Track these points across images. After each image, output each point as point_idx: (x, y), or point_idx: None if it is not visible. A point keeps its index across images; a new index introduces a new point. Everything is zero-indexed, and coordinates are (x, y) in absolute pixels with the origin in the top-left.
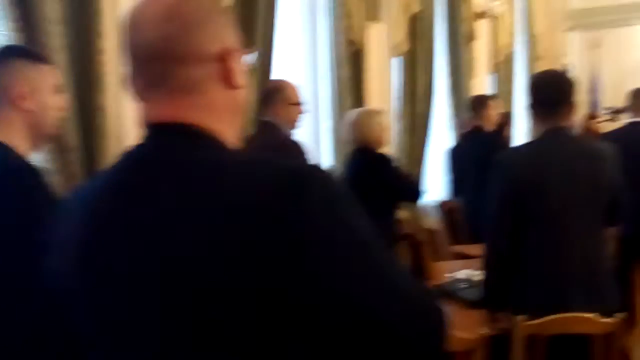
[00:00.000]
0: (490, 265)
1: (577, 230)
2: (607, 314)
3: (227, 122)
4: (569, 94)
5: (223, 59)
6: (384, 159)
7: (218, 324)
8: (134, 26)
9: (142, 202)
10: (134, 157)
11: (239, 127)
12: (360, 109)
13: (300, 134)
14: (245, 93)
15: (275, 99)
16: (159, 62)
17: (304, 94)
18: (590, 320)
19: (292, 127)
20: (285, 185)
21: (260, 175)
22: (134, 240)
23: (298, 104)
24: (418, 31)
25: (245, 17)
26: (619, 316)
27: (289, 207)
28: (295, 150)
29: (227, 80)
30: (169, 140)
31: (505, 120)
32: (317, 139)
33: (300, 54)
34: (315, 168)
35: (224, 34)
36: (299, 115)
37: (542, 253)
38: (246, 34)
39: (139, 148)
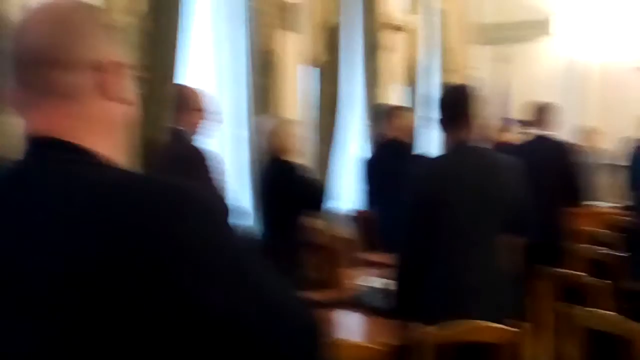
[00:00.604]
0: (400, 275)
1: (480, 241)
2: (505, 321)
3: (104, 134)
4: (473, 108)
5: (102, 69)
6: (289, 167)
7: (85, 342)
8: (21, 32)
9: (11, 222)
10: (8, 175)
11: (120, 142)
12: (272, 118)
13: (214, 142)
14: (132, 109)
15: (180, 106)
16: (40, 66)
17: (213, 101)
18: (496, 329)
19: (196, 134)
20: (159, 205)
21: (134, 194)
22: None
23: (202, 110)
24: (333, 42)
25: (155, 25)
26: (520, 324)
27: (159, 227)
28: (198, 157)
29: (105, 91)
30: (41, 157)
31: (416, 131)
32: (234, 147)
33: (216, 62)
34: (193, 187)
35: (108, 47)
36: (203, 122)
37: (446, 263)
38: (154, 43)
39: (16, 164)
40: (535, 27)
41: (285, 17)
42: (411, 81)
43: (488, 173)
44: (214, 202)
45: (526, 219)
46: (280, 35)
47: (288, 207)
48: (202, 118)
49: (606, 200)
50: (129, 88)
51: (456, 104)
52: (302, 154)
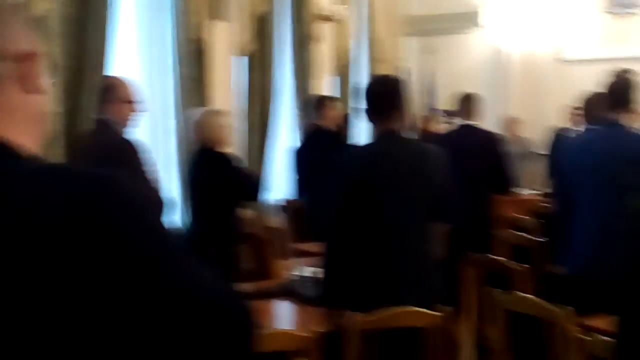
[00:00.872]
0: (328, 263)
1: (406, 227)
2: (434, 307)
3: (24, 126)
4: (399, 99)
5: (22, 59)
6: (225, 158)
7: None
8: None
9: None
10: None
11: (40, 135)
12: (201, 109)
13: (143, 133)
14: (48, 100)
15: (108, 97)
16: None
17: (142, 92)
18: (421, 314)
19: (125, 125)
20: (84, 193)
21: (59, 185)
22: None
23: (131, 102)
24: (263, 31)
25: (80, 12)
26: (446, 309)
27: (83, 215)
28: (129, 149)
29: (26, 82)
30: None
31: (346, 121)
32: (161, 137)
33: (143, 52)
34: (116, 174)
35: (27, 37)
36: (133, 113)
37: (375, 250)
38: (80, 30)
39: None
40: (464, 20)
41: (214, 6)
42: (341, 71)
43: (414, 161)
44: (142, 193)
45: (449, 206)
46: (209, 24)
47: (223, 198)
48: (130, 110)
49: (529, 188)
50: (46, 79)
51: (383, 95)
52: (233, 145)
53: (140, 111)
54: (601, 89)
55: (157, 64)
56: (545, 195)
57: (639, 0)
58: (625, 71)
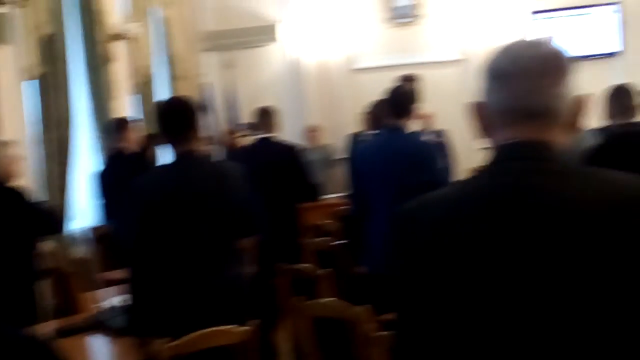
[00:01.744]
0: (133, 290)
1: (209, 247)
2: (246, 322)
3: None
4: (193, 120)
5: None
6: (16, 194)
7: None
8: None
9: None
10: None
11: None
12: None
13: None
14: None
15: None
16: None
17: None
18: (230, 332)
19: None
20: None
21: None
22: None
23: None
24: (53, 53)
25: None
26: (255, 323)
27: None
28: None
29: None
30: None
31: (149, 141)
32: None
33: None
34: None
35: None
36: None
37: (178, 273)
38: None
39: None
40: (262, 33)
41: None
42: (141, 90)
43: (213, 181)
44: None
45: (253, 220)
46: None
47: (18, 236)
48: None
49: (333, 192)
50: None
51: (177, 117)
52: (28, 176)
53: None
54: (385, 95)
55: None
56: (346, 197)
57: (416, 10)
58: (408, 78)
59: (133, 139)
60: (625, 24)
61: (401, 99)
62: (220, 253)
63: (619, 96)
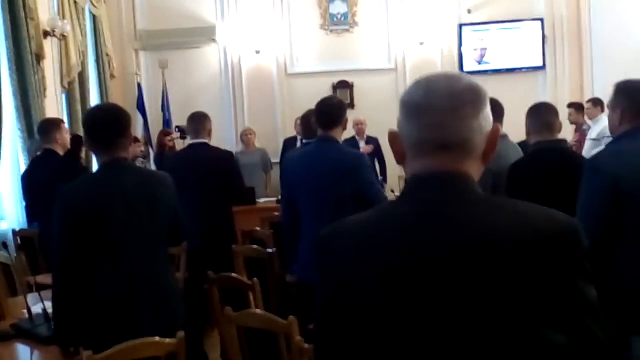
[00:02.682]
0: (58, 297)
1: (142, 255)
2: (176, 331)
3: None
4: (125, 128)
5: None
6: None
7: None
8: None
9: None
10: None
11: None
12: None
13: None
14: None
15: None
16: None
17: None
18: (158, 343)
19: None
20: None
21: None
22: None
23: None
24: None
25: None
26: (182, 333)
27: None
28: None
29: None
30: None
31: (80, 143)
32: None
33: None
34: None
35: None
36: None
37: (106, 281)
38: None
39: None
40: (200, 35)
41: None
42: (70, 89)
43: (143, 189)
44: None
45: (184, 228)
46: None
47: None
48: None
49: (267, 196)
50: None
51: (107, 125)
52: None
53: None
54: (316, 106)
55: None
56: (279, 202)
57: (351, 19)
58: (341, 85)
59: (60, 140)
60: (546, 40)
61: (330, 110)
62: (154, 260)
63: (541, 113)
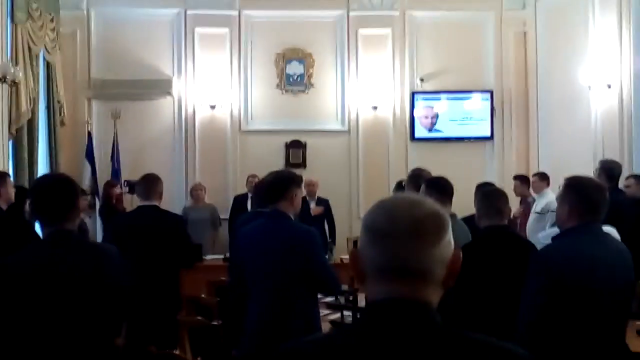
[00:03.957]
0: None
1: (76, 331)
2: None
3: None
4: (73, 200)
5: None
6: None
7: None
8: None
9: None
10: None
11: None
12: None
13: None
14: None
15: None
16: None
17: None
18: None
19: None
20: None
21: None
22: None
23: None
24: None
25: None
26: None
27: None
28: None
29: None
30: None
31: (23, 195)
32: None
33: None
34: None
35: None
36: None
37: (39, 357)
38: None
39: None
40: (155, 87)
41: None
42: (17, 136)
43: (84, 264)
44: None
45: (127, 302)
46: None
47: None
48: None
49: (214, 253)
50: None
51: (55, 197)
52: None
53: None
54: (267, 178)
55: None
56: (225, 260)
57: (307, 80)
58: (294, 145)
59: (8, 195)
60: (495, 112)
61: (280, 185)
62: (88, 337)
63: (493, 199)
